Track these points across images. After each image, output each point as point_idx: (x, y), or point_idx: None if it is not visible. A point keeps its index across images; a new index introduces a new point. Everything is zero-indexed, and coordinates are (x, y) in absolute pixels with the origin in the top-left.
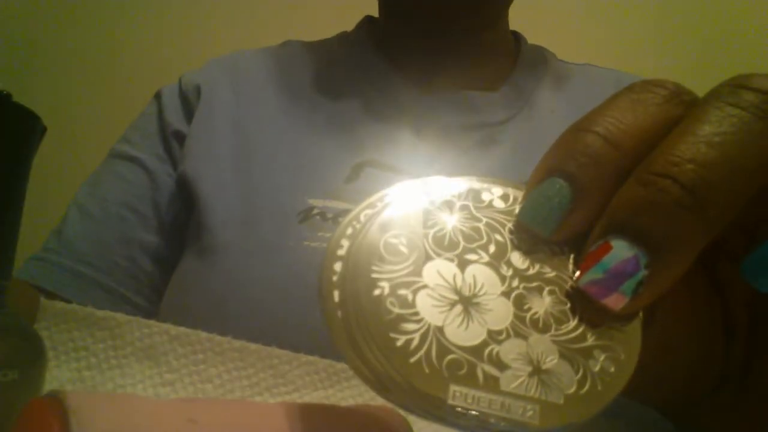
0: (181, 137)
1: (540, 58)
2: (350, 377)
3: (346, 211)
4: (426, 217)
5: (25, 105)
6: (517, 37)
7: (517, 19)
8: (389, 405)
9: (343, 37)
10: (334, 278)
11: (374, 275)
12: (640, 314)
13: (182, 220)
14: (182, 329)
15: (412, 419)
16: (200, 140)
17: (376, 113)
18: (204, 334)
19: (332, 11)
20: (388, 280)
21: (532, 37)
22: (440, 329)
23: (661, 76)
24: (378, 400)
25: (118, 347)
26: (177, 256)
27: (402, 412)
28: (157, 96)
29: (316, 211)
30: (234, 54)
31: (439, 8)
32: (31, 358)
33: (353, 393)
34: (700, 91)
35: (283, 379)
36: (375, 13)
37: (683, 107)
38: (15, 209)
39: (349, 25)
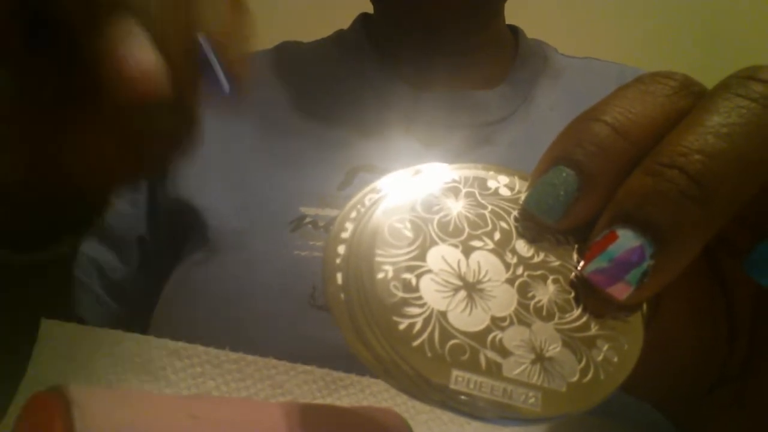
0: None
1: (539, 54)
2: (347, 385)
3: None
4: (431, 202)
5: None
6: (515, 32)
7: (517, 15)
8: (389, 407)
9: (338, 36)
10: (338, 261)
11: (378, 259)
12: (644, 306)
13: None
14: (180, 343)
15: (413, 423)
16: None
17: (370, 116)
18: (201, 348)
19: (329, 8)
20: (392, 263)
21: (531, 31)
22: (443, 314)
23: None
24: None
25: (117, 364)
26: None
27: (404, 397)
28: None
29: (308, 219)
30: None
31: (437, 8)
32: None
33: (351, 401)
34: None
35: (281, 389)
36: (371, 10)
37: (692, 99)
38: None
39: (346, 22)
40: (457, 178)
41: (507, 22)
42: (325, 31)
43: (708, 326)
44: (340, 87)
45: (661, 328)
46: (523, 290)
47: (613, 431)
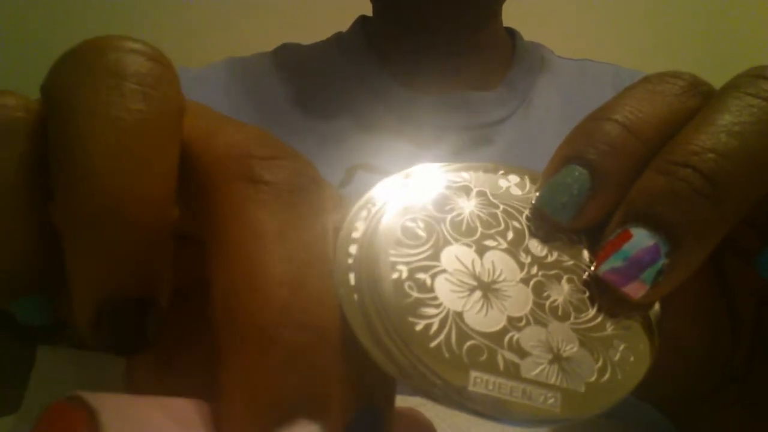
0: None
1: (536, 55)
2: None
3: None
4: (443, 201)
5: None
6: (512, 34)
7: (513, 15)
8: (414, 408)
9: (337, 38)
10: (350, 261)
11: (392, 258)
12: (657, 304)
13: None
14: None
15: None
16: None
17: (369, 116)
18: None
19: (330, 10)
20: (406, 263)
21: (527, 34)
22: (459, 315)
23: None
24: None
25: (117, 389)
26: None
27: (421, 400)
28: None
29: None
30: (233, 59)
31: (435, 8)
32: None
33: None
34: None
35: None
36: (370, 12)
37: (701, 98)
38: None
39: (347, 23)
40: (467, 177)
41: (504, 24)
42: (324, 33)
43: (710, 325)
44: (338, 88)
45: (665, 327)
46: (538, 290)
47: (612, 431)
